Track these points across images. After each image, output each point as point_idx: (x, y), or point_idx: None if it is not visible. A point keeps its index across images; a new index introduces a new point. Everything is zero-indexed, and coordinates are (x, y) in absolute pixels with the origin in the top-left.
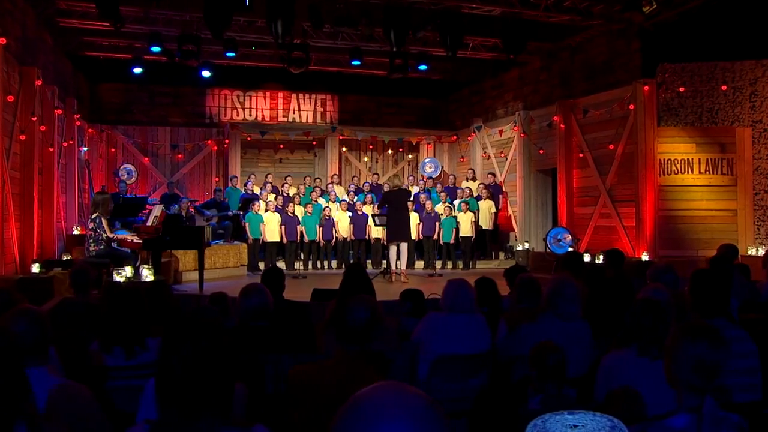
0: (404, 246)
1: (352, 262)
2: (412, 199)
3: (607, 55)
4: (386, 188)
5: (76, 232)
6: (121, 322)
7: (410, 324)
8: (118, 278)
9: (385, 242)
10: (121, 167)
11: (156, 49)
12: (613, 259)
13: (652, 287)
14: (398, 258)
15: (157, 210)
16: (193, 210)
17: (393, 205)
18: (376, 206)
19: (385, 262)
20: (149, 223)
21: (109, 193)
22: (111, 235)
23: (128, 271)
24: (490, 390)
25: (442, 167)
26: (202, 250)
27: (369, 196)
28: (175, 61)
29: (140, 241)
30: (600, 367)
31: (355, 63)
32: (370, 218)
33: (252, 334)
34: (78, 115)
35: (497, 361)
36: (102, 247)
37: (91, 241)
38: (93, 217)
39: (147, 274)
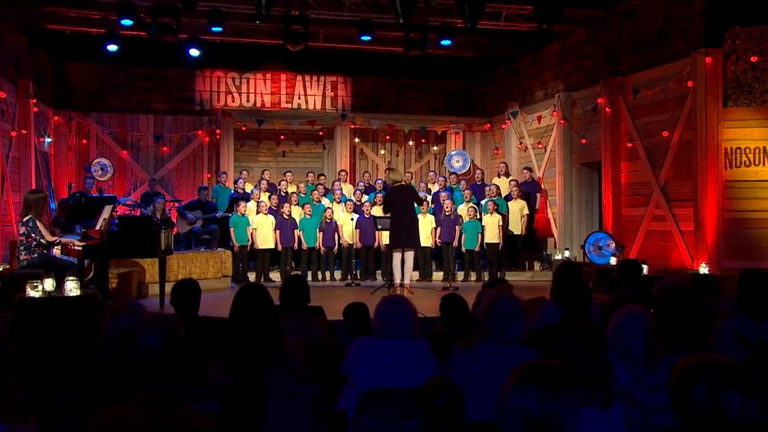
0: (409, 254)
1: (292, 274)
2: (430, 198)
3: (663, 21)
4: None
5: None
6: None
7: None
8: (32, 293)
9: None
10: (94, 161)
11: (127, 22)
12: (627, 273)
13: (628, 309)
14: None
15: (107, 212)
16: (175, 212)
17: (394, 205)
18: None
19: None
20: (98, 227)
21: (45, 191)
22: (51, 239)
23: (48, 284)
24: None
25: (473, 161)
26: (163, 259)
27: (380, 195)
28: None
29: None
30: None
31: (365, 38)
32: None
33: (117, 363)
34: (35, 100)
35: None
36: (36, 255)
37: (22, 248)
38: (25, 219)
39: (72, 288)
